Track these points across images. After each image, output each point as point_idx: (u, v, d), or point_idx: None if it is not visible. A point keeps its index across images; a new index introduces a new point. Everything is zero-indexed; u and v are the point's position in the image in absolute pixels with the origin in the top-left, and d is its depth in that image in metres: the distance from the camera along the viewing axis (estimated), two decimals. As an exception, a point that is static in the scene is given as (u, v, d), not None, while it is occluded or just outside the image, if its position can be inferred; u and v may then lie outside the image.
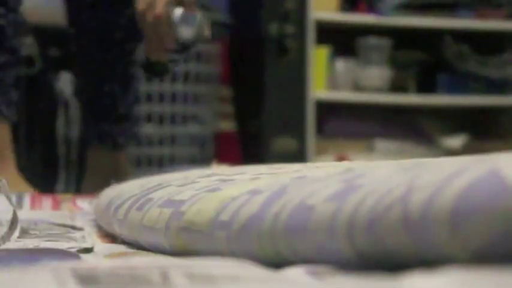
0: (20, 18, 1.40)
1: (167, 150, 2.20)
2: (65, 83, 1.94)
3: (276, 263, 0.50)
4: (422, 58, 2.90)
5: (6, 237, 0.74)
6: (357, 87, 2.79)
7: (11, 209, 0.76)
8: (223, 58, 2.43)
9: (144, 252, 0.69)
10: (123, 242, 0.77)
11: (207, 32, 1.36)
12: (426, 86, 2.85)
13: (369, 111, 2.85)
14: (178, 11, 1.34)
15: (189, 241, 0.62)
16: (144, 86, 2.18)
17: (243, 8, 2.62)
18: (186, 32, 1.34)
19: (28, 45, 2.05)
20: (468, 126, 2.96)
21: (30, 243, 0.75)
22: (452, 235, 0.38)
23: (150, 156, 2.19)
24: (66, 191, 1.83)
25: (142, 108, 2.19)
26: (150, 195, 0.74)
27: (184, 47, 1.37)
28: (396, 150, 2.78)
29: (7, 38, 1.37)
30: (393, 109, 2.84)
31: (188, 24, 1.34)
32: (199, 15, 1.35)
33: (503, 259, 0.37)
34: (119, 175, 1.43)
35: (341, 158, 2.59)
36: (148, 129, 2.19)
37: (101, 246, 0.76)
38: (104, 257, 0.68)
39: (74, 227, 0.90)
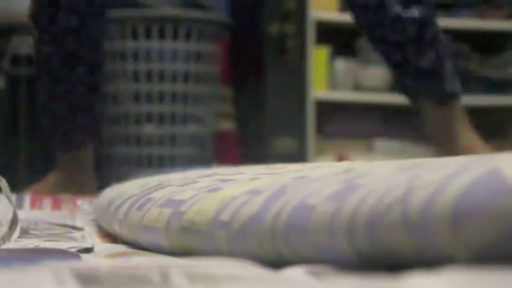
0: None
1: (167, 150, 2.20)
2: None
3: (276, 263, 0.50)
4: (422, 58, 2.90)
5: (6, 237, 0.74)
6: (357, 87, 2.79)
7: (11, 209, 0.76)
8: (223, 58, 2.43)
9: (144, 252, 0.69)
10: (123, 242, 0.77)
11: None
12: (426, 86, 2.84)
13: (369, 111, 2.84)
14: None
15: (189, 241, 0.62)
16: (144, 86, 2.18)
17: (243, 8, 2.62)
18: None
19: (28, 45, 2.05)
20: (468, 126, 2.95)
21: (30, 243, 0.74)
22: (453, 235, 0.38)
23: (150, 156, 2.19)
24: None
25: (143, 108, 2.19)
26: (150, 195, 0.73)
27: None
28: (396, 150, 2.78)
29: None
30: (393, 109, 2.84)
31: None
32: None
33: (503, 259, 0.37)
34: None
35: (341, 158, 2.59)
36: (148, 129, 2.19)
37: (101, 246, 0.76)
38: (104, 257, 0.68)
39: (74, 227, 0.89)
